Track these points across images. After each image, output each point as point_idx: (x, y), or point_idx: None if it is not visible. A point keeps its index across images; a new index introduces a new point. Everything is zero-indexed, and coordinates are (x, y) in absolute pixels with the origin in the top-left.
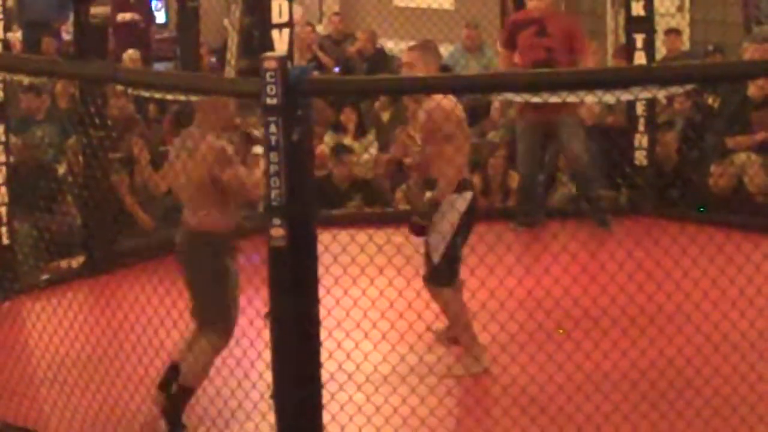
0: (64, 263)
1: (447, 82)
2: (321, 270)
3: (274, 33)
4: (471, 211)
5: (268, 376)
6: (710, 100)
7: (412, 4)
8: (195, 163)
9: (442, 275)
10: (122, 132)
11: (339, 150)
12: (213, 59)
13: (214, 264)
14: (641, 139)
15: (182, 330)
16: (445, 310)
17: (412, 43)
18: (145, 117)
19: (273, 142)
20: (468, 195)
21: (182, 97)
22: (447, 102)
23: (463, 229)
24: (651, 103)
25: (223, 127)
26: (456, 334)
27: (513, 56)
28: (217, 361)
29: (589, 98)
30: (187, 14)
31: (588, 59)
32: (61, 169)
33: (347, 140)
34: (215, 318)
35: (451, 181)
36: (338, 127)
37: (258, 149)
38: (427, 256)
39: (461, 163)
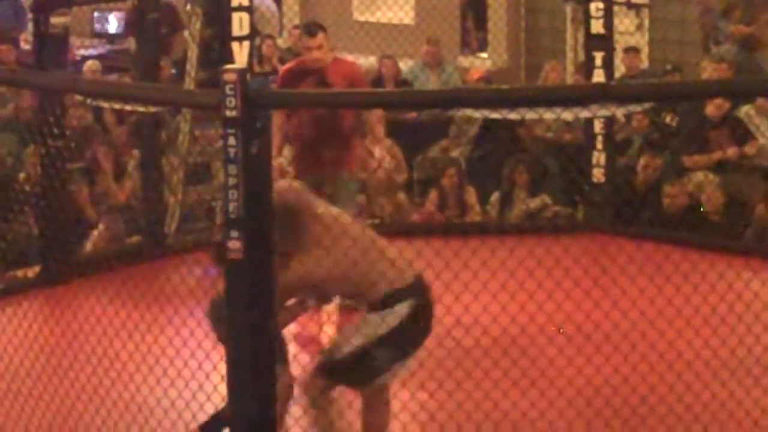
0: (20, 273)
1: (406, 97)
2: None
3: (234, 45)
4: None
5: (223, 388)
6: (668, 119)
7: (372, 19)
8: None
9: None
10: (81, 142)
11: None
12: (173, 71)
13: None
14: (599, 157)
15: (137, 341)
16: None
17: (372, 57)
18: (103, 127)
19: (232, 155)
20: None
21: (141, 108)
22: None
23: None
24: (609, 121)
25: None
26: None
27: (282, 114)
28: (173, 373)
29: (548, 115)
30: (146, 26)
31: None
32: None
33: None
34: None
35: None
36: None
37: None
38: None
39: None
